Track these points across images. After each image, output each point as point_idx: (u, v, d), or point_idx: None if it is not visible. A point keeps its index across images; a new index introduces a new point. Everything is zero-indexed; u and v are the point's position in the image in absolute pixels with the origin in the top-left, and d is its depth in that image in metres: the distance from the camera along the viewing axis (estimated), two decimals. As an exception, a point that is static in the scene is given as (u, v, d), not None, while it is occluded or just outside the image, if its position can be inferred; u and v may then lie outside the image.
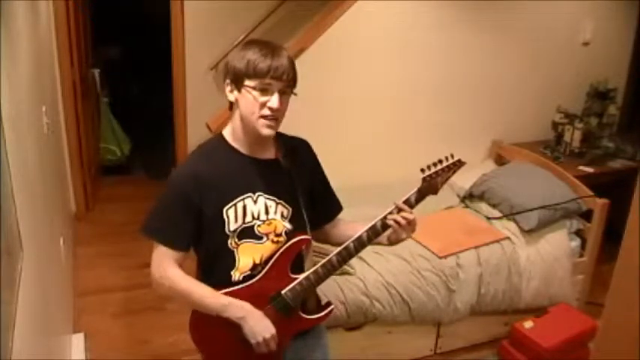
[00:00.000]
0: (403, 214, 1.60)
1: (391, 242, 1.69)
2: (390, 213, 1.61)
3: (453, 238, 2.85)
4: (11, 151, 1.52)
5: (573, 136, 3.67)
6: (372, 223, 1.62)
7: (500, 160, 3.73)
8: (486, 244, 2.86)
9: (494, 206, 3.14)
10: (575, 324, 2.85)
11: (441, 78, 3.53)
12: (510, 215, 3.03)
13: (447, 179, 1.64)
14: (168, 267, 1.59)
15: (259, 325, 1.57)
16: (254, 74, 1.49)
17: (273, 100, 1.50)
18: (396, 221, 1.60)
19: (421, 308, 2.68)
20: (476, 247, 2.83)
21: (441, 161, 1.61)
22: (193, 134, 4.24)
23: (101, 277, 3.48)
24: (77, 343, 2.73)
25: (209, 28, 4.14)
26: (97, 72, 4.75)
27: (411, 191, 1.62)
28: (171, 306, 3.25)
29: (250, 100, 1.51)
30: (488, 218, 3.09)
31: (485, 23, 3.52)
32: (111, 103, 5.02)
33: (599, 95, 3.77)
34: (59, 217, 3.02)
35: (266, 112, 1.51)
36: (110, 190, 4.69)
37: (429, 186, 1.61)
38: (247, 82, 1.50)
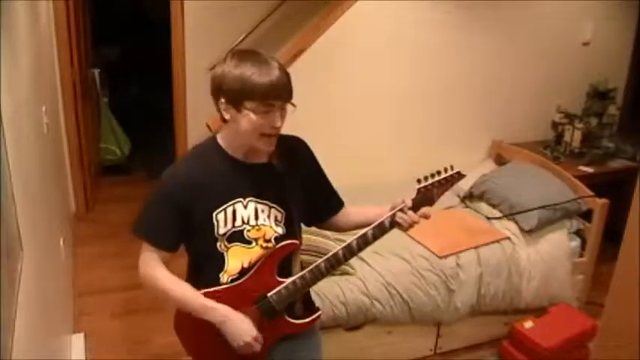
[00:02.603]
0: (411, 215, 1.57)
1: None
2: (401, 210, 1.57)
3: (453, 238, 2.85)
4: (11, 151, 1.52)
5: (573, 136, 3.67)
6: (363, 232, 1.59)
7: (500, 160, 3.73)
8: (486, 244, 2.86)
9: (494, 206, 3.14)
10: (575, 324, 2.85)
11: (441, 78, 3.53)
12: (510, 215, 3.03)
13: (444, 191, 1.62)
14: (153, 265, 1.61)
15: (238, 329, 1.57)
16: (254, 96, 1.45)
17: (276, 120, 1.50)
18: (404, 220, 1.57)
19: (421, 308, 2.68)
20: (476, 247, 2.83)
21: (439, 172, 1.59)
22: (193, 134, 4.23)
23: (101, 277, 3.48)
24: (77, 343, 2.73)
25: (209, 28, 4.14)
26: (97, 72, 4.74)
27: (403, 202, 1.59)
28: (171, 306, 3.25)
29: (252, 121, 1.48)
30: (489, 218, 3.09)
31: (486, 23, 3.52)
32: (111, 103, 5.02)
33: (599, 95, 3.77)
34: (59, 217, 3.02)
35: (268, 130, 1.51)
36: (110, 190, 4.68)
37: (424, 197, 1.59)
38: (247, 104, 1.47)
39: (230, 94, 1.48)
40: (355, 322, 2.60)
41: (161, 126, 4.93)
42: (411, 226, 1.59)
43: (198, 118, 3.89)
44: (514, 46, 3.63)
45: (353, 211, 1.80)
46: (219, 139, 1.62)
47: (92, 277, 3.46)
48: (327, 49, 3.18)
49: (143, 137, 5.28)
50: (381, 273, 2.63)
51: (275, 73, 1.46)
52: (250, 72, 1.45)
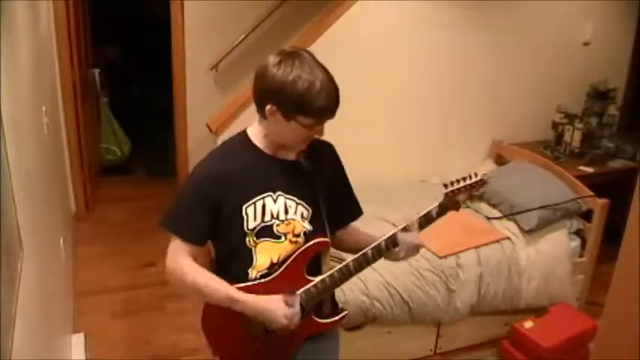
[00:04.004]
0: (414, 235, 1.62)
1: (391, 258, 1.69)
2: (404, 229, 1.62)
3: (453, 238, 2.85)
4: (11, 151, 1.52)
5: (573, 136, 3.67)
6: (392, 232, 1.63)
7: (500, 160, 3.73)
8: (486, 244, 2.87)
9: (494, 206, 3.14)
10: (575, 324, 2.85)
11: (441, 78, 3.53)
12: (510, 215, 3.03)
13: (469, 196, 1.65)
14: (182, 259, 1.60)
15: (273, 313, 1.56)
16: (310, 114, 1.48)
17: (320, 132, 1.56)
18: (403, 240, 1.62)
19: (421, 308, 2.69)
20: (476, 247, 2.83)
21: (464, 178, 1.62)
22: (193, 134, 4.24)
23: (101, 277, 3.48)
24: (77, 343, 2.73)
25: (209, 28, 4.14)
26: (97, 72, 4.75)
27: (432, 205, 1.63)
28: (171, 306, 3.26)
29: (297, 132, 1.52)
30: (489, 218, 3.09)
31: (486, 23, 3.52)
32: (111, 103, 5.02)
33: (599, 95, 3.77)
34: (59, 217, 3.02)
35: (307, 138, 1.57)
36: (110, 190, 4.68)
37: (451, 202, 1.62)
38: (301, 119, 1.49)
39: (285, 105, 1.49)
40: (355, 322, 2.60)
41: (161, 126, 4.94)
42: (414, 250, 1.63)
43: (198, 118, 3.90)
44: (514, 45, 3.63)
45: (362, 233, 1.79)
46: (250, 134, 1.64)
47: (92, 277, 3.46)
48: (327, 49, 3.17)
49: (143, 137, 5.28)
50: (381, 273, 2.63)
51: (333, 95, 1.49)
52: (314, 91, 1.46)
